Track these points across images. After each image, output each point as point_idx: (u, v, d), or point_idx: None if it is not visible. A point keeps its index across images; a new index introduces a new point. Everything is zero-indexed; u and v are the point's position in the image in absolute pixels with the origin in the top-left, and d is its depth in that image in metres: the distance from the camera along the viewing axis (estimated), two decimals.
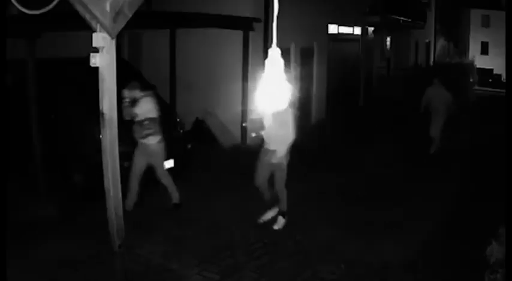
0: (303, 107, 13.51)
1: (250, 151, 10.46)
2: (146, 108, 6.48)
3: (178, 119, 8.44)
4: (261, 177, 6.46)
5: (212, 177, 8.56)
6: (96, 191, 5.86)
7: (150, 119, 6.49)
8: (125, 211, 3.69)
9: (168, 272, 5.17)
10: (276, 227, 6.39)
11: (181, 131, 8.41)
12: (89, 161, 6.66)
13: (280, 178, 6.36)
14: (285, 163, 6.32)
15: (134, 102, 6.41)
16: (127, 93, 6.34)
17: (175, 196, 6.99)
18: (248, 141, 10.75)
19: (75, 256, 5.41)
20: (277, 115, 6.12)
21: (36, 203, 6.83)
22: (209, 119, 11.05)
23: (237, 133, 10.85)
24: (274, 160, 6.20)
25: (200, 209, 7.03)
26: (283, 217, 6.48)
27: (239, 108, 10.55)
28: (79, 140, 7.13)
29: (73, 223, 6.37)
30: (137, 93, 6.44)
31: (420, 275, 5.19)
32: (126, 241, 3.69)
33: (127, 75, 8.06)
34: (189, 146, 8.32)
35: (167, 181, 6.92)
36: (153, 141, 6.61)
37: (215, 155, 9.99)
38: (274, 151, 6.21)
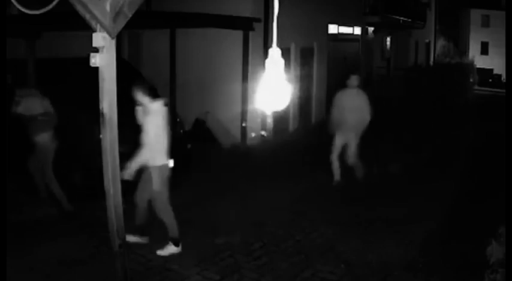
0: (303, 107, 13.57)
1: (250, 151, 10.52)
2: (29, 106, 6.50)
3: (178, 119, 8.44)
4: (138, 196, 5.57)
5: (212, 177, 8.56)
6: (96, 190, 5.86)
7: (33, 117, 6.49)
8: (124, 210, 3.69)
9: (168, 272, 5.17)
10: (160, 252, 5.46)
11: (182, 131, 8.41)
12: (88, 161, 6.66)
13: (160, 199, 5.48)
14: (161, 180, 5.44)
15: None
16: (17, 92, 6.51)
17: (65, 204, 6.67)
18: (248, 141, 10.76)
19: (75, 255, 5.42)
20: (147, 119, 5.37)
21: (36, 203, 6.83)
22: (209, 119, 11.06)
23: (237, 133, 10.85)
24: (152, 178, 5.40)
25: (200, 209, 7.03)
26: (175, 245, 5.51)
27: (239, 108, 10.56)
28: (79, 140, 7.13)
29: (73, 222, 6.38)
30: (24, 91, 6.52)
31: (420, 275, 5.19)
32: (126, 241, 3.69)
33: (127, 75, 8.09)
34: (189, 146, 8.32)
35: (55, 187, 6.66)
36: (41, 138, 6.59)
37: (215, 155, 9.99)
38: (152, 168, 5.41)
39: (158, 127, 5.41)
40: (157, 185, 5.42)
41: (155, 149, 5.38)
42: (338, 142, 8.15)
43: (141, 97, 5.46)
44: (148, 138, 5.32)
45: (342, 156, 8.26)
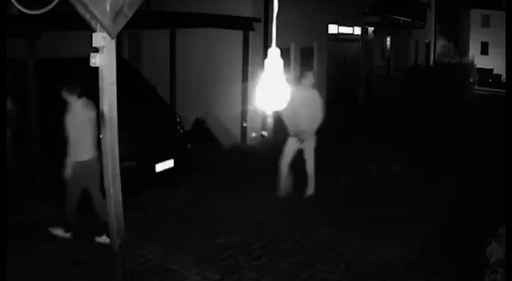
0: None
1: (250, 150, 10.51)
2: None
3: (178, 119, 8.45)
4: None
5: (212, 177, 8.56)
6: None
7: None
8: (125, 210, 3.69)
9: (168, 272, 5.17)
10: (99, 239, 5.76)
11: (181, 131, 8.41)
12: None
13: (93, 192, 5.81)
14: (87, 175, 5.73)
15: None
16: None
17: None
18: (248, 141, 10.76)
19: (75, 255, 5.43)
20: (69, 116, 5.70)
21: (36, 202, 6.83)
22: (209, 119, 11.07)
23: (237, 133, 10.85)
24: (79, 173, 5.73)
25: (200, 209, 7.03)
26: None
27: (239, 108, 10.56)
28: None
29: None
30: None
31: (420, 275, 5.19)
32: (126, 241, 3.69)
33: (127, 75, 8.10)
34: (189, 146, 8.33)
35: None
36: None
37: (215, 155, 9.99)
38: (76, 163, 5.72)
39: (80, 124, 5.66)
40: (84, 180, 5.73)
41: (79, 146, 5.66)
42: (289, 147, 7.38)
43: (65, 95, 5.71)
44: (70, 135, 5.62)
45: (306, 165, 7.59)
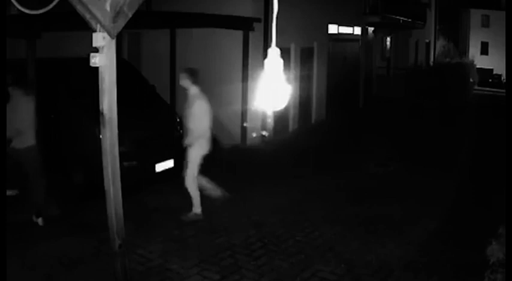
0: (303, 107, 13.56)
1: (250, 151, 10.51)
2: None
3: (178, 119, 8.44)
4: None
5: (212, 177, 8.55)
6: (96, 190, 5.86)
7: None
8: (125, 210, 3.69)
9: (168, 272, 5.17)
10: (39, 221, 6.21)
11: (181, 131, 8.40)
12: (88, 161, 6.66)
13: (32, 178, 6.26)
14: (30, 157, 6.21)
15: None
16: None
17: None
18: (248, 141, 10.76)
19: (75, 255, 5.43)
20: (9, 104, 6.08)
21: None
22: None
23: (237, 133, 10.85)
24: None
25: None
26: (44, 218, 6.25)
27: (239, 108, 10.56)
28: (79, 140, 7.13)
29: (73, 222, 6.38)
30: None
31: (420, 275, 5.19)
32: (126, 241, 3.69)
33: (127, 75, 8.09)
34: None
35: None
36: None
37: (215, 155, 9.97)
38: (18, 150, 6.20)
39: (26, 112, 6.11)
40: (28, 166, 6.16)
41: (25, 133, 6.11)
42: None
43: (9, 86, 6.09)
44: (19, 123, 6.01)
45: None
